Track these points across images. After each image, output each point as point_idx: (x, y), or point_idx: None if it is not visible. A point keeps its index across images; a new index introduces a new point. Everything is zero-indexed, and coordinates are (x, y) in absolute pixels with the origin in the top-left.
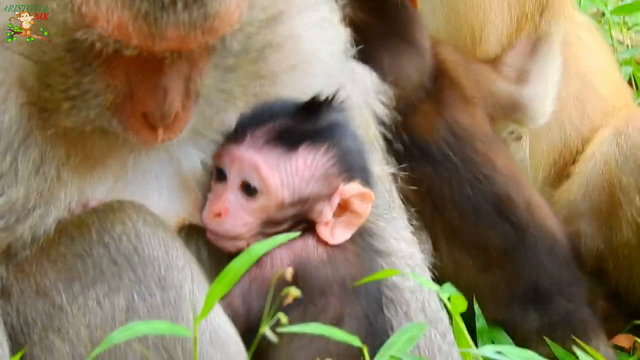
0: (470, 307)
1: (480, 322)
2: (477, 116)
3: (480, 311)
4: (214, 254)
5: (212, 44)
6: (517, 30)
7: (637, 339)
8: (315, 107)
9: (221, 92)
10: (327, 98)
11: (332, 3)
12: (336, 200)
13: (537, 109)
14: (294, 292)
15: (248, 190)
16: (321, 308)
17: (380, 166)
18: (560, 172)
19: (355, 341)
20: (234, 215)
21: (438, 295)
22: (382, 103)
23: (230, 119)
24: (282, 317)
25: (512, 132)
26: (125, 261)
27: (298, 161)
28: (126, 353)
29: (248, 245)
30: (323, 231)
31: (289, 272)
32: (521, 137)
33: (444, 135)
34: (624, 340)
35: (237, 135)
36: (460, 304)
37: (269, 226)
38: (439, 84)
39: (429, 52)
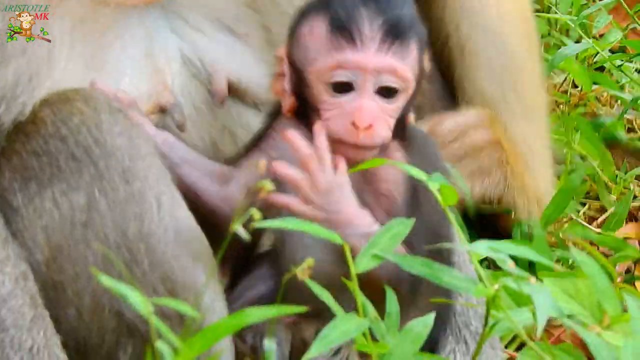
0: None
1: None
2: None
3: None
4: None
5: None
6: None
7: None
8: None
9: None
10: None
11: None
12: None
13: None
14: (268, 186)
15: (387, 92)
16: None
17: None
18: None
19: (336, 238)
20: (381, 122)
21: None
22: None
23: None
24: (255, 214)
25: None
26: (85, 155)
27: (414, 51)
28: (85, 255)
29: None
30: None
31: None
32: None
33: None
34: None
35: (349, 41)
36: (451, 195)
37: None
38: None
39: None
